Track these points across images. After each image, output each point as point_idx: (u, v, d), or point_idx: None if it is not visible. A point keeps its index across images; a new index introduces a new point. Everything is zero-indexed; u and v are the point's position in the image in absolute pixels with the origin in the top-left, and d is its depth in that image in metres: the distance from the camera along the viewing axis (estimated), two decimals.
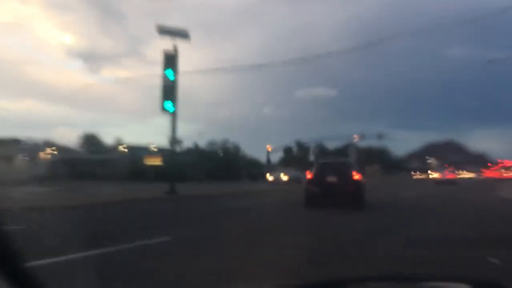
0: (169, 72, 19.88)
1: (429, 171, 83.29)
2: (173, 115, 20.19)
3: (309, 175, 14.90)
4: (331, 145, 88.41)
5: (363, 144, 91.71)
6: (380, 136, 43.90)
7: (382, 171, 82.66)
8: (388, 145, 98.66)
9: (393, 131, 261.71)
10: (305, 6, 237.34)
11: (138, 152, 45.07)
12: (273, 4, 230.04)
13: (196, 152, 46.61)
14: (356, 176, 14.12)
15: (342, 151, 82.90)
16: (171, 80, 19.82)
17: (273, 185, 33.50)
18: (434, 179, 41.96)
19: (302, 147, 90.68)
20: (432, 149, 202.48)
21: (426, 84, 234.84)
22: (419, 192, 25.96)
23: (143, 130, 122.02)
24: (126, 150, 48.40)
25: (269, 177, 36.34)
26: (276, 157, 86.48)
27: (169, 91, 19.79)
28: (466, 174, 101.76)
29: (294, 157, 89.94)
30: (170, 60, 20.10)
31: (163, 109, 19.69)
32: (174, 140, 21.73)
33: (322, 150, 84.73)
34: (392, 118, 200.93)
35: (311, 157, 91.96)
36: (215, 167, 33.13)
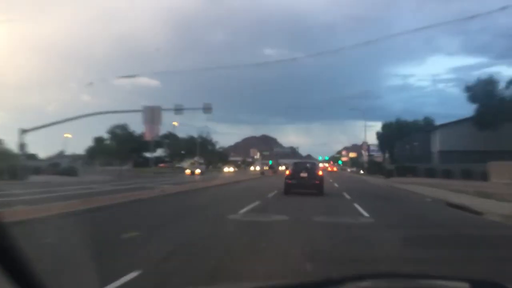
0: None
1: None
2: None
3: (287, 171, 20.43)
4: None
5: (184, 131, 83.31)
6: (206, 109, 35.34)
7: (206, 164, 74.99)
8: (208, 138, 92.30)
9: (214, 125, 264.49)
10: None
11: None
12: None
13: None
14: (320, 172, 19.76)
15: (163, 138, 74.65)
16: None
17: None
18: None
19: (117, 135, 77.33)
20: (249, 143, 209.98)
21: (245, 80, 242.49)
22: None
23: None
24: None
25: None
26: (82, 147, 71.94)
27: None
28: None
29: (105, 147, 76.46)
30: None
31: None
32: None
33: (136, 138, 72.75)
34: (213, 112, 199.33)
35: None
36: None
